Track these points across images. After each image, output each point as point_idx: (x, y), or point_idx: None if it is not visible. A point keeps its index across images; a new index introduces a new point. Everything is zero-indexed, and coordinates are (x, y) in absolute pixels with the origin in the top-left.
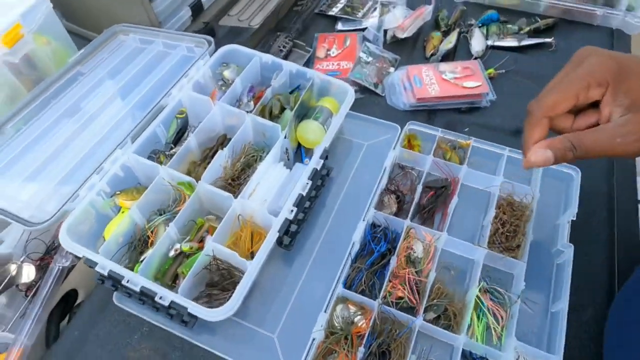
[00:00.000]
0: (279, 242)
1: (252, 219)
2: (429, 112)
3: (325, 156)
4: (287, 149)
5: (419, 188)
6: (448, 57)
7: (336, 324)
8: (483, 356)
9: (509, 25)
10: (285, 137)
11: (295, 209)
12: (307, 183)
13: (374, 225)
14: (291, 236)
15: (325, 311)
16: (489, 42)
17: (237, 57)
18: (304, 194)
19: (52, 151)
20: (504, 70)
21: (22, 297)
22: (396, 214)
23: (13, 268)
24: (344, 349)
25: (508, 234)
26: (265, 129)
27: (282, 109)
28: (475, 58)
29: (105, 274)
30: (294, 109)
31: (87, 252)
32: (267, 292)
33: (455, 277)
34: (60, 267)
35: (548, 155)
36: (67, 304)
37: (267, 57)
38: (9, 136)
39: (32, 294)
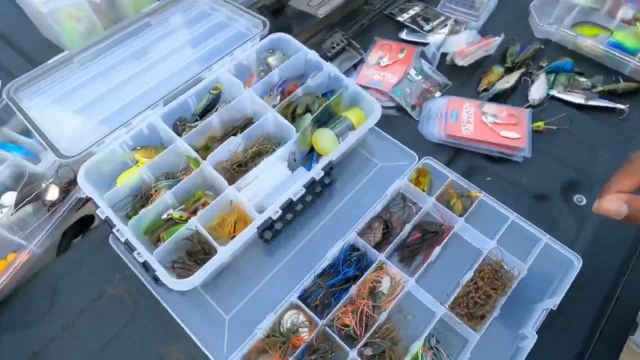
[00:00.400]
0: (261, 234)
1: (241, 208)
2: (456, 150)
3: (329, 168)
4: (294, 152)
5: (408, 227)
6: (501, 97)
7: (282, 327)
8: None
9: (582, 79)
10: (295, 141)
11: (280, 212)
12: (301, 190)
13: (353, 248)
14: (274, 233)
15: (275, 313)
16: (553, 92)
17: (286, 46)
18: (294, 199)
19: (104, 91)
20: (554, 127)
21: (45, 211)
22: (378, 244)
23: (43, 185)
24: (277, 351)
25: (478, 300)
26: (282, 127)
27: (307, 110)
28: (530, 106)
29: (103, 218)
30: (314, 114)
31: (95, 194)
32: (238, 275)
33: (409, 323)
34: (78, 197)
35: (623, 209)
36: (83, 226)
37: (312, 55)
38: (76, 67)
39: (52, 210)
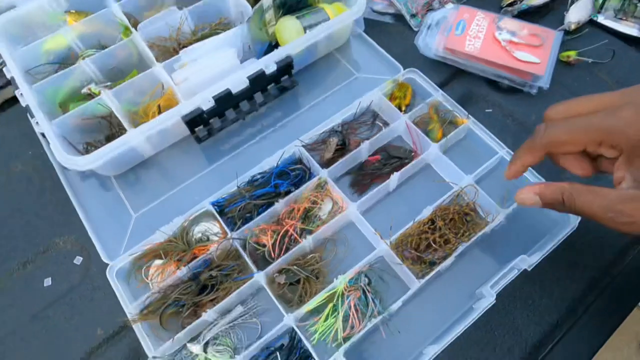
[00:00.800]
0: (192, 129)
1: (172, 93)
2: (456, 71)
3: (287, 64)
4: (249, 43)
5: (366, 144)
6: (531, 16)
7: (191, 235)
8: (305, 349)
9: None
10: (248, 22)
11: (214, 103)
12: (245, 82)
13: (299, 162)
14: (209, 131)
15: (183, 216)
16: (598, 17)
17: None
18: (234, 92)
19: None
20: (589, 60)
21: None
22: (329, 162)
23: None
24: (174, 259)
25: (433, 244)
26: (244, 10)
27: None
28: (564, 30)
29: (8, 77)
30: None
31: (5, 50)
32: (161, 173)
33: (344, 259)
34: None
35: (536, 200)
36: None
37: None
38: None
39: None
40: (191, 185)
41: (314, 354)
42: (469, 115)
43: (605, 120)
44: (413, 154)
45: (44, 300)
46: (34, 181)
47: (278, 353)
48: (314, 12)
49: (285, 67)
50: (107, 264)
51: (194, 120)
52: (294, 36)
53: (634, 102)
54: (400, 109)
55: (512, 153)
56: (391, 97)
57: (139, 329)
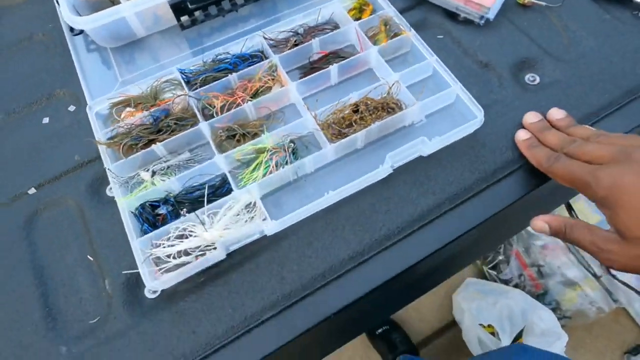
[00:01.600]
0: (177, 17)
1: None
2: (420, 0)
3: None
4: None
5: (317, 40)
6: None
7: (158, 95)
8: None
9: None
10: None
11: None
12: None
13: (260, 52)
14: (192, 22)
15: (155, 79)
16: None
17: None
18: None
19: None
20: (543, 4)
21: None
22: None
23: None
24: (141, 108)
25: (354, 124)
26: None
27: None
28: None
29: None
30: None
31: None
32: (149, 51)
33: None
34: None
35: (545, 228)
36: None
37: None
38: None
39: None
40: (170, 64)
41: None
42: (411, 29)
43: (585, 176)
44: (358, 52)
45: (40, 133)
46: (49, 47)
47: (207, 186)
48: None
49: None
50: (90, 105)
51: (179, 7)
52: None
53: (615, 167)
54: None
55: (443, 65)
56: (352, 13)
57: (103, 154)
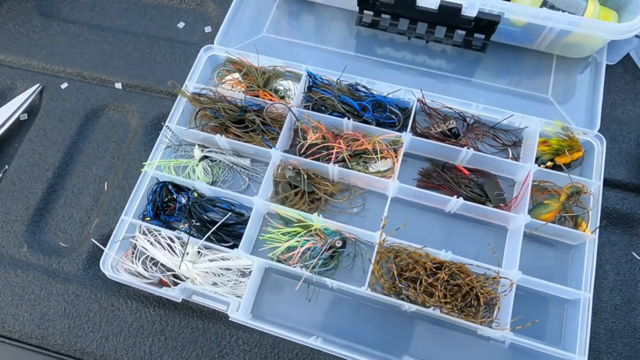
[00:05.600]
0: (360, 8)
1: None
2: None
3: (491, 20)
4: None
5: (469, 152)
6: None
7: (274, 81)
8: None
9: None
10: None
11: None
12: (436, 3)
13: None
14: (372, 22)
15: (283, 61)
16: None
17: None
18: (419, 4)
19: None
20: None
21: None
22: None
23: None
24: (247, 83)
25: (415, 283)
26: None
27: None
28: None
29: None
30: None
31: None
32: (315, 20)
33: (346, 210)
34: None
35: None
36: None
37: None
38: None
39: None
40: (322, 54)
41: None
42: (598, 225)
43: None
44: (502, 205)
45: (167, 32)
46: None
47: (232, 213)
48: None
49: (488, 24)
50: (212, 45)
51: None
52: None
53: None
54: (538, 158)
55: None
56: (546, 142)
57: (181, 103)
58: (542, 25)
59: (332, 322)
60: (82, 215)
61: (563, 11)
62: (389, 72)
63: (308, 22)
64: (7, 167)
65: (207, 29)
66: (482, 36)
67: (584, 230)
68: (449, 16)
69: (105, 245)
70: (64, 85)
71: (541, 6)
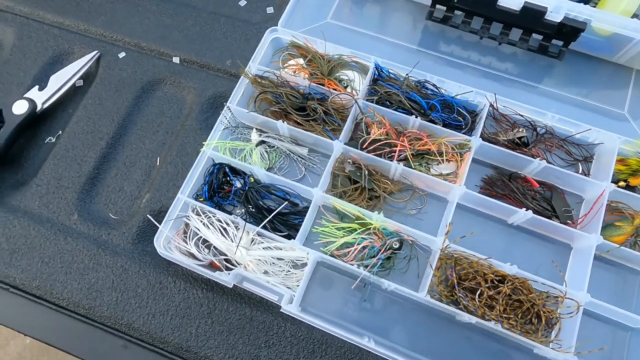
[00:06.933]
0: (433, 1)
1: None
2: None
3: (574, 27)
4: None
5: (542, 164)
6: None
7: (339, 70)
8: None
9: None
10: None
11: None
12: (519, 4)
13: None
14: (444, 18)
15: (349, 51)
16: None
17: None
18: (499, 3)
19: None
20: None
21: None
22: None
23: None
24: (310, 70)
25: (475, 294)
26: None
27: None
28: None
29: None
30: None
31: None
32: (379, 9)
33: (407, 212)
34: None
35: None
36: None
37: None
38: None
39: None
40: (386, 46)
41: (302, 231)
42: None
43: None
44: (569, 222)
45: (228, 11)
46: None
47: (287, 202)
48: None
49: (571, 30)
50: (277, 27)
51: None
52: (617, 9)
53: None
54: (618, 180)
55: None
56: (623, 161)
57: (242, 84)
58: (629, 37)
59: (382, 324)
60: (133, 189)
61: None
62: (452, 70)
63: (372, 12)
64: (60, 132)
65: (269, 10)
66: (561, 43)
67: None
68: (531, 19)
69: (157, 222)
70: (122, 55)
71: (632, 17)
